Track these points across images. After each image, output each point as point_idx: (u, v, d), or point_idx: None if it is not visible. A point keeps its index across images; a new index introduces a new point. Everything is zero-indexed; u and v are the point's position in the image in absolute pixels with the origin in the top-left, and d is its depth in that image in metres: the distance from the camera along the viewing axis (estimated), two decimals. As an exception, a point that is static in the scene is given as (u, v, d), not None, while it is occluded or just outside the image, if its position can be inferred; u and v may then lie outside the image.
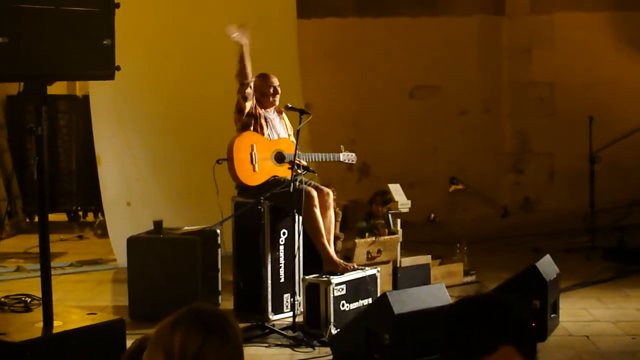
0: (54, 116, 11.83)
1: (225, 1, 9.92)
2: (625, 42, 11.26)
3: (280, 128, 7.39)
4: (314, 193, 6.97)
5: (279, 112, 7.44)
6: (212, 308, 2.14)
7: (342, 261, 7.01)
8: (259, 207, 6.78)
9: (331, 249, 7.03)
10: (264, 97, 7.27)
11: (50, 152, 11.39)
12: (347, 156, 7.57)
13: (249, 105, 7.11)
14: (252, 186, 7.09)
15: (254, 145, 7.13)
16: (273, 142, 7.23)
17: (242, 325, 6.71)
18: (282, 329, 6.62)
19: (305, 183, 7.08)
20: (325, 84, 11.05)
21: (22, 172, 11.67)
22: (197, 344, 2.01)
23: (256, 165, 7.16)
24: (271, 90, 7.27)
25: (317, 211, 6.98)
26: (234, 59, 9.41)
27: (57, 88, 10.74)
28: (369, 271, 6.95)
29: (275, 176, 7.17)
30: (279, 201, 6.99)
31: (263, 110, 7.28)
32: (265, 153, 7.16)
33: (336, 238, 7.54)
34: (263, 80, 7.29)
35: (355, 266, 7.00)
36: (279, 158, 7.19)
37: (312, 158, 7.34)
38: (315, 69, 10.90)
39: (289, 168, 7.00)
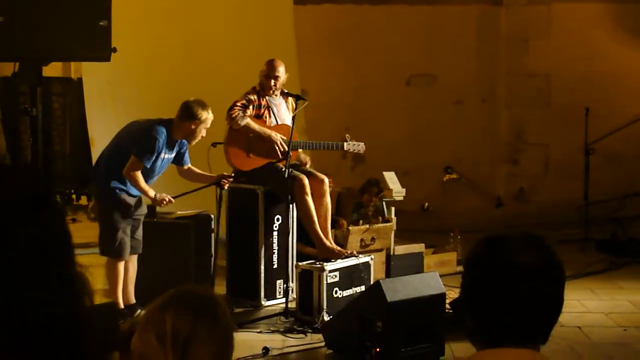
0: (48, 98, 11.78)
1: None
2: (623, 34, 11.24)
3: (285, 114, 7.35)
4: (306, 181, 6.95)
5: (286, 97, 7.40)
6: (199, 289, 2.13)
7: (336, 247, 7.00)
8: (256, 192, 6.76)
9: (325, 237, 7.02)
10: (267, 80, 7.23)
11: (44, 135, 11.32)
12: (352, 145, 7.43)
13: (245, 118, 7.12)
14: (246, 171, 7.09)
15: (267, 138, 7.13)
16: (272, 129, 7.21)
17: (237, 310, 6.74)
18: (275, 315, 6.62)
19: (300, 168, 7.07)
20: (322, 70, 11.02)
21: (16, 155, 11.62)
22: (188, 324, 2.00)
23: (251, 150, 7.16)
24: (271, 82, 7.22)
25: (309, 199, 6.96)
26: (232, 43, 9.40)
27: (51, 70, 10.71)
28: (363, 259, 6.95)
29: (270, 162, 7.16)
30: (272, 187, 6.99)
31: (267, 98, 7.25)
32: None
33: (334, 222, 7.54)
34: (268, 67, 7.26)
35: (355, 253, 6.98)
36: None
37: (313, 147, 7.31)
38: (312, 55, 10.86)
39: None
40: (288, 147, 6.84)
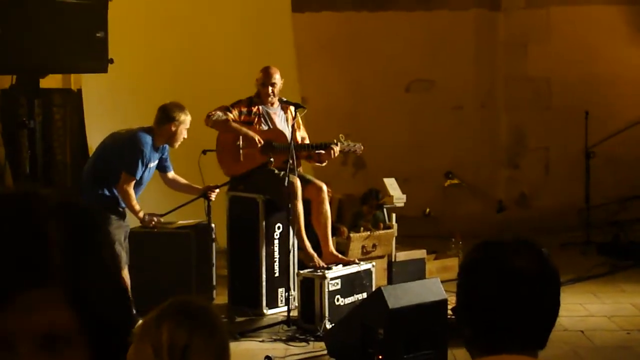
0: (49, 110, 11.77)
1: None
2: (622, 37, 11.23)
3: (281, 123, 7.32)
4: (298, 184, 6.90)
5: (285, 108, 7.37)
6: (196, 300, 2.12)
7: (315, 256, 6.95)
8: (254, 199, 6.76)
9: (326, 244, 7.01)
10: (264, 88, 7.23)
11: (45, 146, 11.35)
12: (347, 145, 7.32)
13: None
14: (238, 176, 7.09)
15: (242, 135, 7.11)
16: (263, 133, 7.18)
17: (239, 319, 6.75)
18: (277, 324, 6.62)
19: (298, 175, 7.05)
20: (321, 78, 11.01)
21: (16, 167, 11.61)
22: (185, 336, 1.99)
23: (241, 154, 7.14)
24: (268, 89, 7.20)
25: (298, 203, 6.89)
26: (231, 51, 9.39)
27: (52, 81, 10.71)
28: (364, 266, 6.94)
29: (264, 166, 7.08)
30: (268, 193, 6.98)
31: (261, 106, 7.24)
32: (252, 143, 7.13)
33: (335, 229, 7.52)
34: (264, 74, 7.26)
35: (323, 265, 6.85)
36: (265, 148, 7.13)
37: (303, 148, 7.26)
38: (311, 63, 10.86)
39: (284, 161, 6.94)
40: (290, 155, 6.77)
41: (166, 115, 6.47)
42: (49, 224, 1.07)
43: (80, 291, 1.08)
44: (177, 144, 6.59)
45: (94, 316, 1.09)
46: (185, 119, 6.49)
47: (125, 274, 6.61)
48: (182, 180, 6.94)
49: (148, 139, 6.41)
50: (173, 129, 6.45)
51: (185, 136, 6.55)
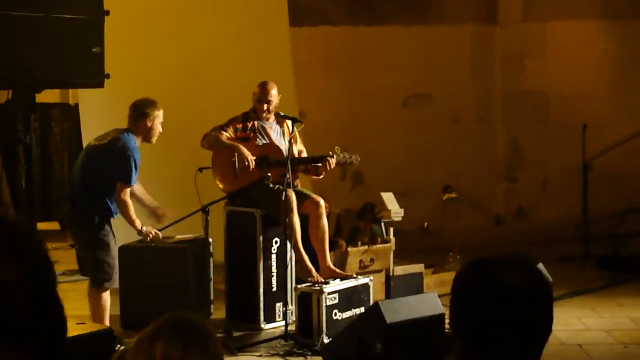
0: (48, 124, 11.79)
1: (217, 10, 9.89)
2: (618, 50, 11.25)
3: (278, 137, 7.31)
4: (293, 197, 6.89)
5: (281, 122, 7.36)
6: (190, 317, 2.11)
7: (312, 270, 6.93)
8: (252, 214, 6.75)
9: (323, 259, 6.99)
10: (260, 104, 7.23)
11: (44, 161, 11.37)
12: (343, 157, 7.30)
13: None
14: (235, 192, 7.08)
15: (237, 152, 7.12)
16: (258, 148, 7.17)
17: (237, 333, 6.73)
18: (275, 338, 6.60)
19: (295, 189, 7.04)
20: (319, 92, 11.03)
21: (14, 182, 11.61)
22: (179, 353, 1.98)
23: (236, 171, 7.14)
24: (264, 106, 7.21)
25: (294, 216, 6.88)
26: (229, 66, 9.40)
27: (50, 96, 10.73)
28: (362, 280, 6.92)
29: (261, 180, 7.07)
30: (264, 207, 6.97)
31: (256, 121, 7.24)
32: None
33: (333, 243, 7.51)
34: (260, 90, 7.25)
35: (321, 279, 6.85)
36: (261, 163, 7.12)
37: (296, 162, 7.25)
38: (309, 77, 10.87)
39: (281, 175, 6.92)
40: (287, 169, 6.76)
41: (140, 112, 6.43)
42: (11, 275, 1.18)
43: (37, 345, 1.17)
44: (154, 139, 6.53)
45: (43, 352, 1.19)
46: (159, 113, 6.47)
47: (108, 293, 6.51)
48: (140, 190, 6.83)
49: (133, 142, 6.36)
50: (149, 124, 6.42)
51: (161, 130, 6.52)
